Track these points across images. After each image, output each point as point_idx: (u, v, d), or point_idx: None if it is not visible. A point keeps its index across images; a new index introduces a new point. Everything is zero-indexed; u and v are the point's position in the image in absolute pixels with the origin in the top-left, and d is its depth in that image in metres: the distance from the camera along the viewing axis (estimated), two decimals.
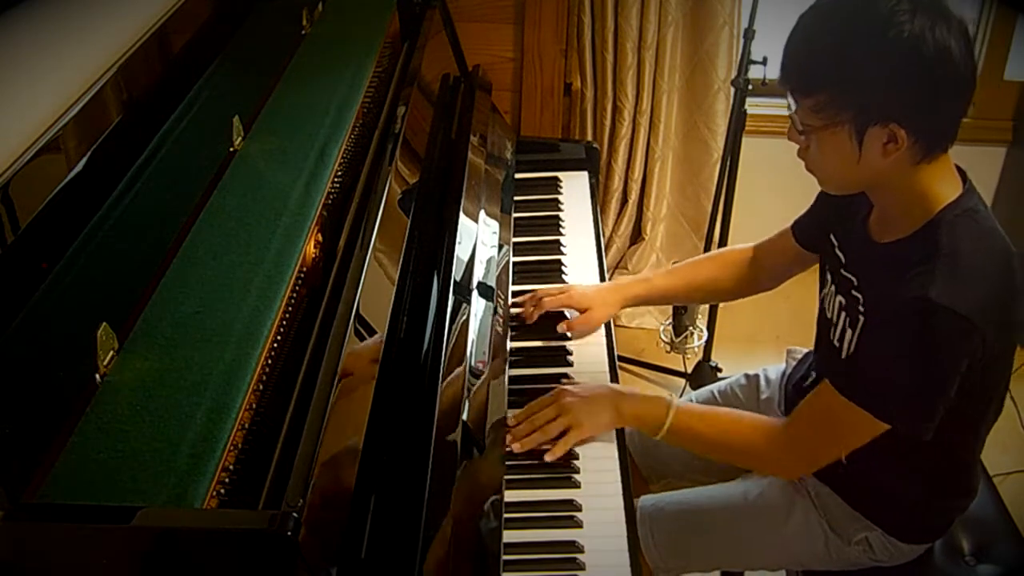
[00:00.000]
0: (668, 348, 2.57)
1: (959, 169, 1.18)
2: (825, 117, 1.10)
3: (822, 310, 1.38)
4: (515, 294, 1.64)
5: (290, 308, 1.07)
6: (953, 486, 1.34)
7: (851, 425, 1.18)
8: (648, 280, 1.63)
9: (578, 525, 1.24)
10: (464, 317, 1.32)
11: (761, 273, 1.56)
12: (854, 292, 1.25)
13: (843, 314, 1.27)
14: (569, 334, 1.58)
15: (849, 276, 1.28)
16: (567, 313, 1.59)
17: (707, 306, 2.45)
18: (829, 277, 1.35)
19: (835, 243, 1.34)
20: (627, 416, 1.35)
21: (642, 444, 1.59)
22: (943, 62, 1.04)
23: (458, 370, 1.23)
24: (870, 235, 1.26)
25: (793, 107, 1.15)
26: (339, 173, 1.32)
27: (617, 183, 2.60)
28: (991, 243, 1.15)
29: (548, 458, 1.32)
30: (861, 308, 1.22)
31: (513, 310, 1.59)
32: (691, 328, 2.41)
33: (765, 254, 1.55)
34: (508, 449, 1.31)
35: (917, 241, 1.16)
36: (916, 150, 1.10)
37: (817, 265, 1.47)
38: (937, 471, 1.30)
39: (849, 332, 1.24)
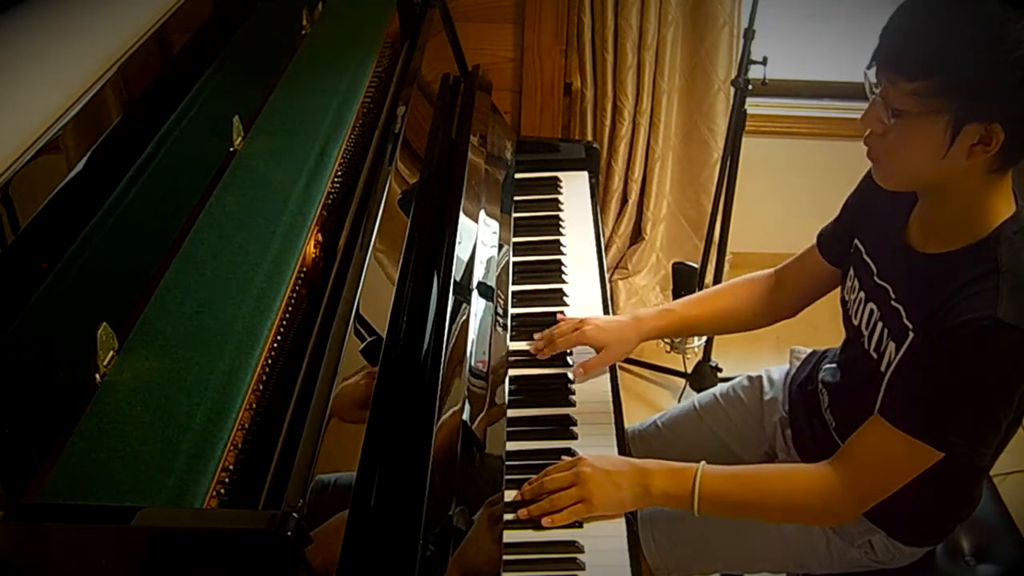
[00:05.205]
0: (668, 348, 2.57)
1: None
2: (928, 104, 1.05)
3: (848, 316, 1.34)
4: (515, 294, 1.64)
5: (290, 308, 1.07)
6: (962, 494, 1.33)
7: (908, 458, 1.14)
8: (671, 311, 1.55)
9: (578, 525, 1.24)
10: (464, 317, 1.32)
11: (784, 298, 1.50)
12: (893, 303, 1.21)
13: (880, 324, 1.24)
14: (579, 379, 1.50)
15: (884, 285, 1.24)
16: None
17: None
18: (857, 283, 1.31)
19: (862, 249, 1.31)
20: (657, 496, 1.25)
21: (642, 445, 1.59)
22: None
23: (458, 370, 1.23)
24: (909, 243, 1.22)
25: (880, 87, 1.09)
26: (339, 173, 1.32)
27: (617, 183, 2.60)
28: None
29: (546, 523, 1.23)
30: (908, 323, 1.18)
31: (524, 345, 1.54)
32: None
33: (789, 276, 1.49)
34: (514, 515, 1.25)
35: (972, 256, 1.12)
36: (998, 157, 1.07)
37: None
38: (950, 480, 1.28)
39: (892, 346, 1.20)
